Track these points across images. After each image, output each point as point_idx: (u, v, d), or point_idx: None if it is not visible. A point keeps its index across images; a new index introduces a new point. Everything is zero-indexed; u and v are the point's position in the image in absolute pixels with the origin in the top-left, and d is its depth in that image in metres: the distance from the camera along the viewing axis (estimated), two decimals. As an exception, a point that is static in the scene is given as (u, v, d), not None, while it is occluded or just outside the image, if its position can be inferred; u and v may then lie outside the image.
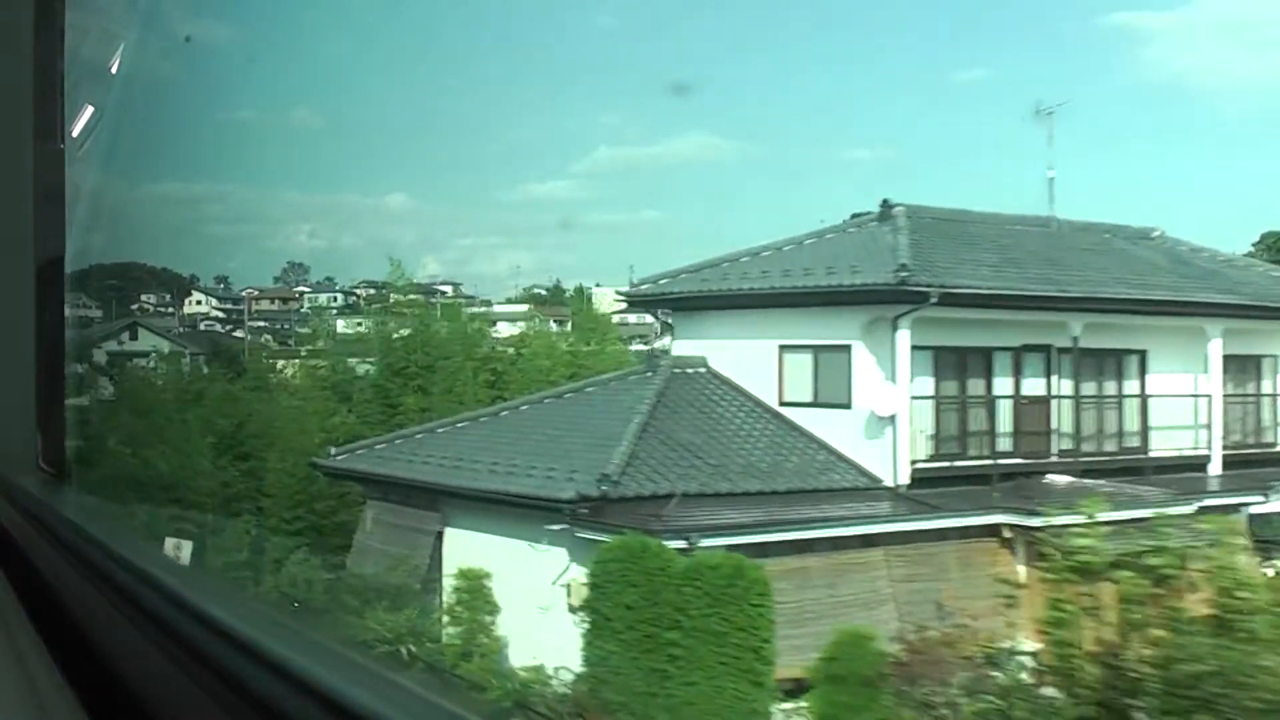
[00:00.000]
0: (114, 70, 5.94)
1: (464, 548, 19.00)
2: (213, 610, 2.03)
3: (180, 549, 13.15)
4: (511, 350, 30.50)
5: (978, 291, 19.42)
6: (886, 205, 21.78)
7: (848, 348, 19.66)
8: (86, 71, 5.40)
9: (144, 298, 62.77)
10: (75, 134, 4.93)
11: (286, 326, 76.27)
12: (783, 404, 20.42)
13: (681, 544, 15.51)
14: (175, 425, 25.63)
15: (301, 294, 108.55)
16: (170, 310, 71.87)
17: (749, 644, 13.80)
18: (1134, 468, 21.98)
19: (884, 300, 19.06)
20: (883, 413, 19.01)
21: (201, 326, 78.87)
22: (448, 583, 18.76)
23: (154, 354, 37.47)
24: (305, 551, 22.15)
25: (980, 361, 21.02)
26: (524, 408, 21.14)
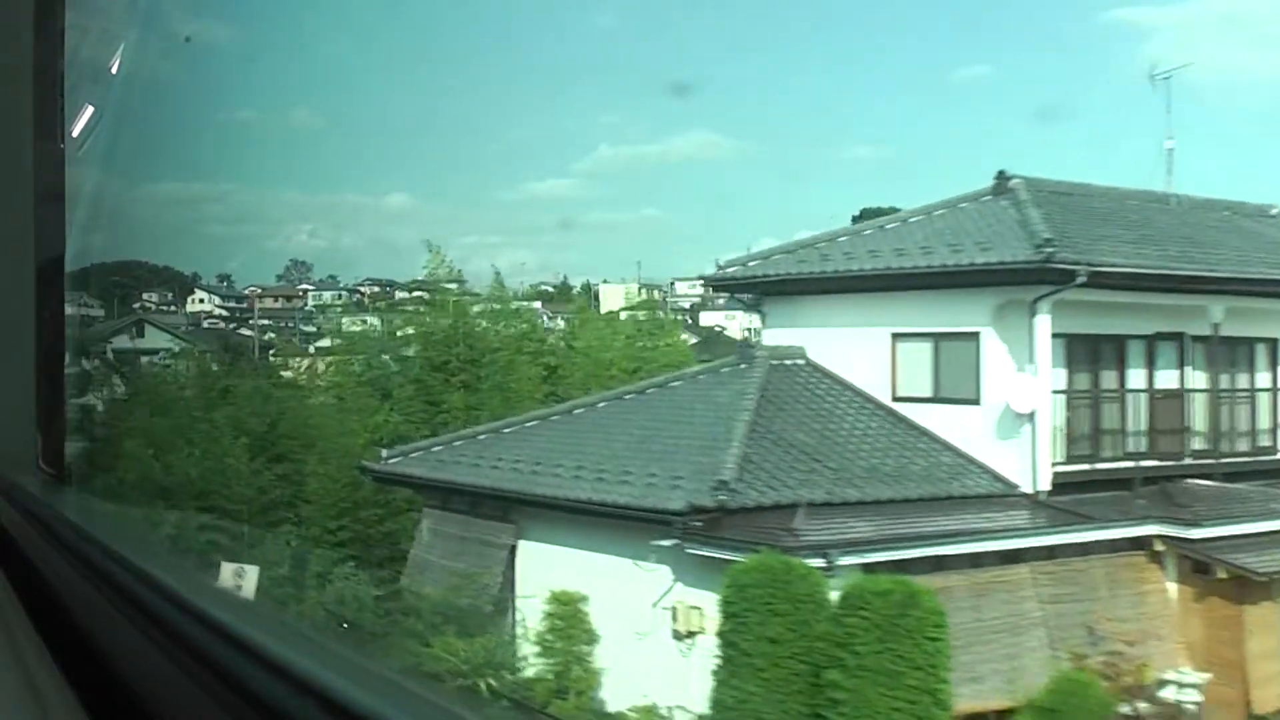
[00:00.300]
0: (114, 71, 5.87)
1: (542, 564, 16.67)
2: (213, 610, 2.02)
3: (242, 577, 10.76)
4: (562, 344, 28.06)
5: (1129, 271, 17.07)
6: (1003, 176, 19.42)
7: (975, 335, 17.29)
8: (87, 72, 5.34)
9: (146, 296, 61.84)
10: (75, 134, 4.83)
11: (291, 325, 76.07)
12: (896, 399, 18.07)
13: (819, 562, 13.18)
14: (202, 425, 23.26)
15: (305, 292, 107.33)
16: (173, 308, 71.09)
17: (926, 686, 11.43)
18: (1272, 469, 19.71)
19: (1021, 281, 16.70)
20: (1021, 409, 16.65)
21: (205, 324, 77.82)
22: (529, 605, 16.42)
23: (172, 350, 35.26)
24: (352, 565, 19.84)
25: (1113, 351, 18.67)
26: (601, 404, 18.75)
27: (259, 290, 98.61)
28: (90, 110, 5.30)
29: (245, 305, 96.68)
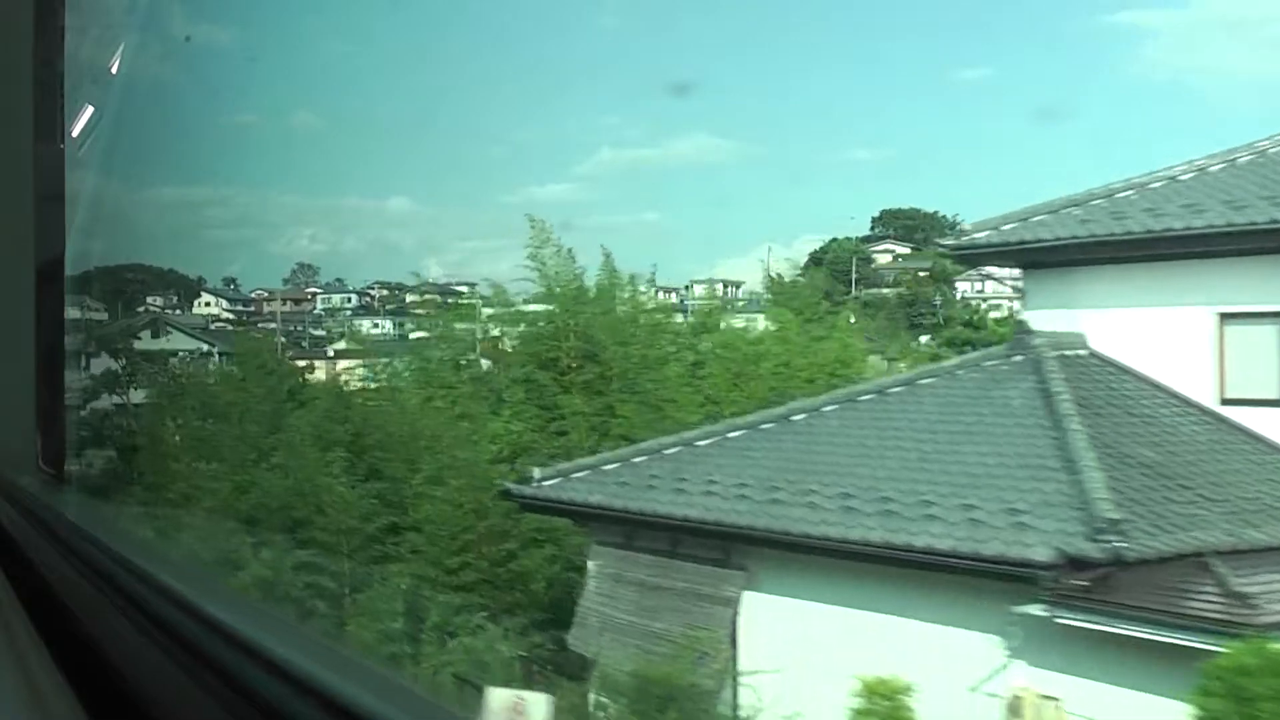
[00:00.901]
0: (114, 71, 5.84)
1: (785, 627, 12.26)
2: (213, 610, 1.99)
3: (523, 714, 6.48)
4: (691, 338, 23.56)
5: None
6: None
7: (1350, 315, 12.93)
8: (87, 72, 5.30)
9: (149, 299, 59.21)
10: (75, 134, 4.82)
11: (300, 329, 74.55)
12: (1224, 402, 13.69)
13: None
14: (277, 435, 18.80)
15: (313, 295, 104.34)
16: (179, 311, 68.77)
17: None
18: None
19: None
20: None
21: (212, 327, 75.03)
22: (763, 683, 12.00)
23: (201, 349, 31.20)
24: (483, 616, 15.38)
25: None
26: (831, 408, 14.29)
27: (265, 293, 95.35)
28: (90, 110, 5.20)
29: (252, 309, 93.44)
